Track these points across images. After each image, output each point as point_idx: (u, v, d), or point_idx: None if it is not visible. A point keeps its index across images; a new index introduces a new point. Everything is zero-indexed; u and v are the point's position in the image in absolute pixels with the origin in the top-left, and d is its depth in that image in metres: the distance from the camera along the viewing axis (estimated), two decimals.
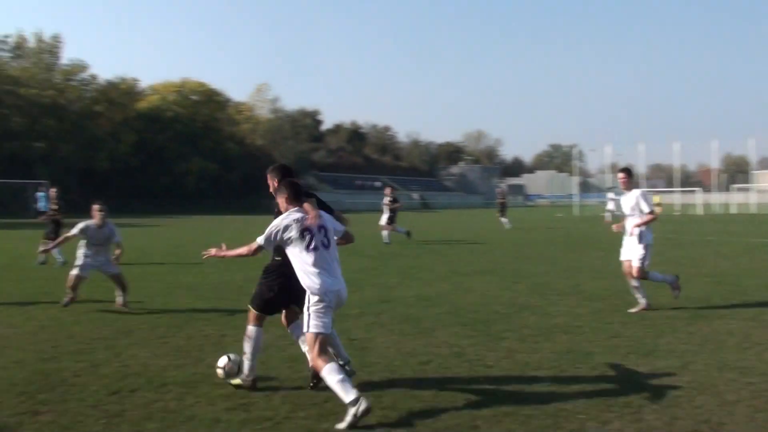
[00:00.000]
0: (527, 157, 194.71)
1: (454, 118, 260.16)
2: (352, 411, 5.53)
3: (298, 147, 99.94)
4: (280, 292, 6.68)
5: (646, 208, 10.61)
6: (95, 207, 10.77)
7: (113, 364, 7.38)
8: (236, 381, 6.58)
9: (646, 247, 10.64)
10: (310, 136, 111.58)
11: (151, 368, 7.23)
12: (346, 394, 5.61)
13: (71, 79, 76.50)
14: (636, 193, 10.75)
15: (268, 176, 6.72)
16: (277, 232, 6.05)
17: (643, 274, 10.62)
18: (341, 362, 6.52)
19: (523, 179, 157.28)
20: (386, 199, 26.11)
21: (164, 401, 6.13)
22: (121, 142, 74.69)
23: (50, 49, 76.46)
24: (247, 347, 6.64)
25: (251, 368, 6.58)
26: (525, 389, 6.47)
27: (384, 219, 25.65)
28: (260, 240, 6.13)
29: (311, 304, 6.01)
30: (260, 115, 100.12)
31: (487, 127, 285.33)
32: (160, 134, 78.34)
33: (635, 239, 10.65)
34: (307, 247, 5.99)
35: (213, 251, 6.50)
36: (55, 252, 17.68)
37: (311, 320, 5.99)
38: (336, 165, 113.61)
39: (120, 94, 79.39)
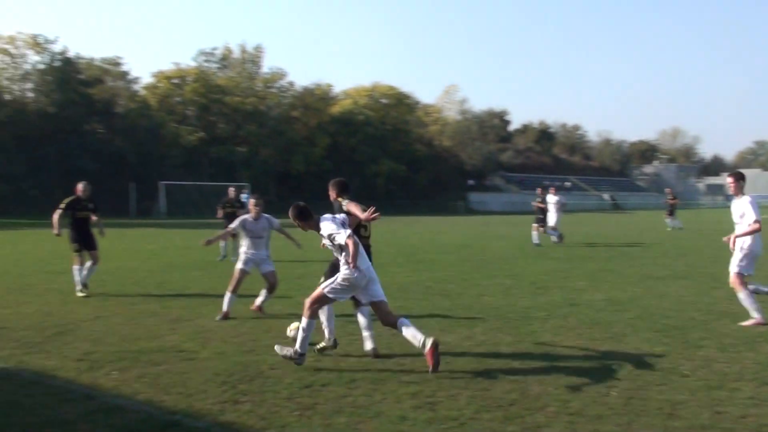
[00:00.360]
0: (729, 155, 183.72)
1: (648, 115, 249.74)
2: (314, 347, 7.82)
3: (486, 148, 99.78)
4: None
5: (751, 217, 9.60)
6: (252, 201, 11.18)
7: (307, 358, 7.66)
8: (321, 345, 8.04)
9: (745, 255, 9.68)
10: (497, 136, 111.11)
11: (341, 364, 7.45)
12: (302, 345, 7.30)
13: (271, 86, 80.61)
14: (746, 199, 9.76)
15: (330, 186, 8.58)
16: (342, 223, 7.43)
17: (741, 282, 9.69)
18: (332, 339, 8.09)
19: (724, 179, 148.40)
20: (537, 200, 25.49)
21: (353, 396, 6.29)
22: (315, 145, 77.68)
23: (253, 59, 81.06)
24: (323, 319, 8.05)
25: (330, 332, 8.07)
26: (724, 401, 6.09)
27: (551, 219, 25.01)
28: (346, 234, 7.20)
29: (339, 279, 7.39)
30: (448, 117, 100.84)
31: (684, 124, 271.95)
32: (352, 137, 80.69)
33: (738, 245, 9.72)
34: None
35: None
36: (222, 247, 18.98)
37: (331, 286, 7.43)
38: (524, 165, 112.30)
39: (315, 100, 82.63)
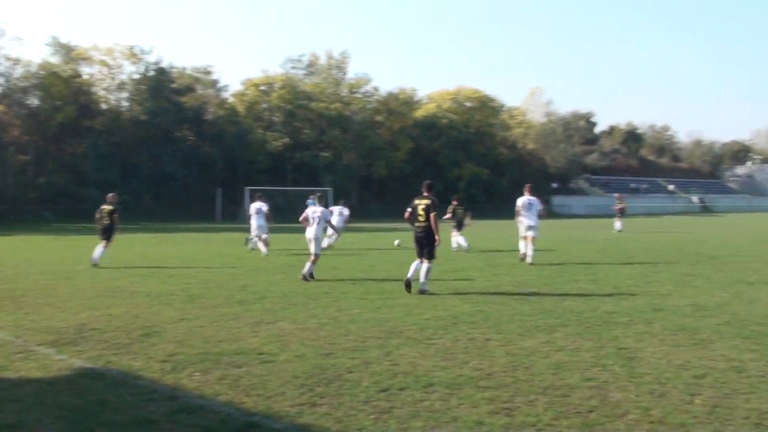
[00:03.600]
0: None
1: (741, 114, 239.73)
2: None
3: (570, 150, 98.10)
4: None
5: None
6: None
7: (384, 362, 7.68)
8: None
9: None
10: (583, 138, 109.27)
11: (418, 368, 7.42)
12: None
13: (356, 91, 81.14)
14: None
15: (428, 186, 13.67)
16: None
17: None
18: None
19: None
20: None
21: (430, 401, 6.27)
22: (398, 149, 77.77)
23: (338, 65, 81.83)
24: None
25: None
26: None
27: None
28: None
29: None
30: (533, 119, 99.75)
31: None
32: (435, 141, 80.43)
33: None
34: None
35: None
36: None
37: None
38: (609, 168, 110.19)
39: (399, 104, 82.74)
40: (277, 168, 71.00)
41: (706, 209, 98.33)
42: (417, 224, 13.45)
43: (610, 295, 12.82)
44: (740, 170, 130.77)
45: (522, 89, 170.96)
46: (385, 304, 11.78)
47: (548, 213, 25.39)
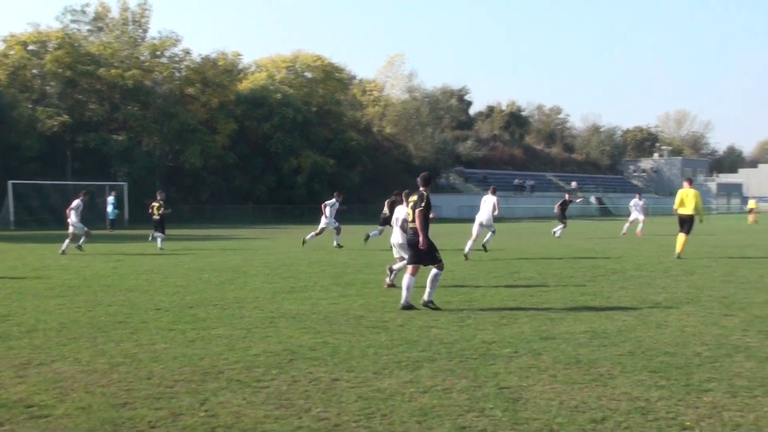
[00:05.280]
0: (747, 146, 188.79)
1: (646, 97, 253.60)
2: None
3: (439, 136, 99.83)
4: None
5: None
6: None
7: (198, 413, 7.57)
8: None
9: None
10: (455, 121, 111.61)
11: (244, 419, 7.36)
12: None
13: (160, 55, 79.61)
14: None
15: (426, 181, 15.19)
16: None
17: None
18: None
19: (741, 176, 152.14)
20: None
21: None
22: (217, 133, 76.95)
23: (137, 19, 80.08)
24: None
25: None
26: None
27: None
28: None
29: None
30: (392, 96, 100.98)
31: (691, 107, 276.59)
32: (265, 122, 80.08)
33: None
34: None
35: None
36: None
37: None
38: (488, 159, 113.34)
39: (217, 73, 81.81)
40: (52, 155, 68.69)
41: (605, 211, 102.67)
42: (409, 225, 15.04)
43: (488, 320, 13.15)
44: (646, 164, 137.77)
45: (378, 58, 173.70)
46: (199, 336, 11.65)
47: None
